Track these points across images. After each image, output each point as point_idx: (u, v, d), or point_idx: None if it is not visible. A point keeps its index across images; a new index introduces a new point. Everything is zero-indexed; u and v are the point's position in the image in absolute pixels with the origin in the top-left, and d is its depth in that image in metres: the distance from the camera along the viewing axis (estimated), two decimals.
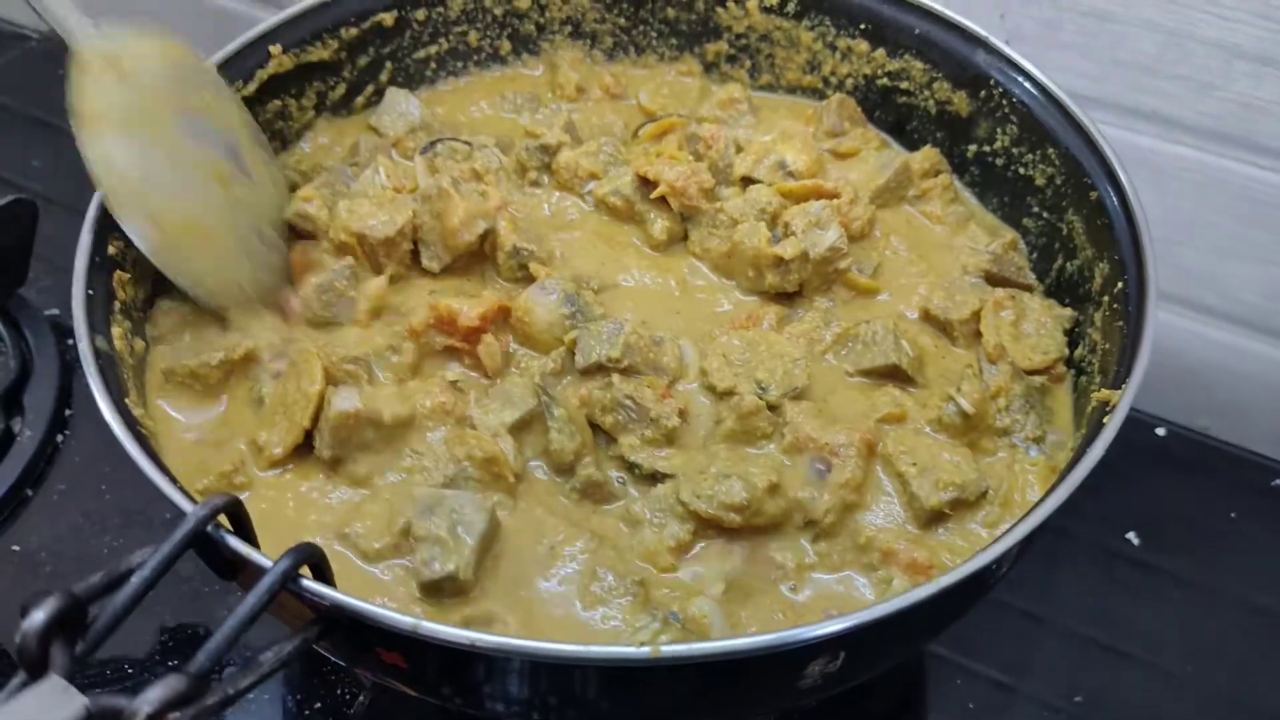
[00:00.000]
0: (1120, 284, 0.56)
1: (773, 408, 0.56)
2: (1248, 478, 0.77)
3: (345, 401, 0.53)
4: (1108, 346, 0.56)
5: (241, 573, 0.46)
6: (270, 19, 0.68)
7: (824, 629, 0.42)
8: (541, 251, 0.62)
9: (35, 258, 0.84)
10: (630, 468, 0.54)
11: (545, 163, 0.68)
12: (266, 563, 0.43)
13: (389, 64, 0.74)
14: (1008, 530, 0.46)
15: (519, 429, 0.54)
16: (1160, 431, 0.79)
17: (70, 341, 0.83)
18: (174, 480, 0.47)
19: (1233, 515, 0.75)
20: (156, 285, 0.61)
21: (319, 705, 0.64)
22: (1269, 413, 0.82)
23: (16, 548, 0.73)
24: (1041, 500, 0.46)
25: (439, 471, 0.53)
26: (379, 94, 0.73)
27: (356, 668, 0.51)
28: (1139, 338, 0.52)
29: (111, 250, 0.57)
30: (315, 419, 0.54)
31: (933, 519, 0.53)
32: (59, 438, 0.79)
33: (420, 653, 0.44)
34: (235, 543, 0.44)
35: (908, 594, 0.43)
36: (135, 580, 0.40)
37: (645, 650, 0.41)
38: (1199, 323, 0.84)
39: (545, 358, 0.57)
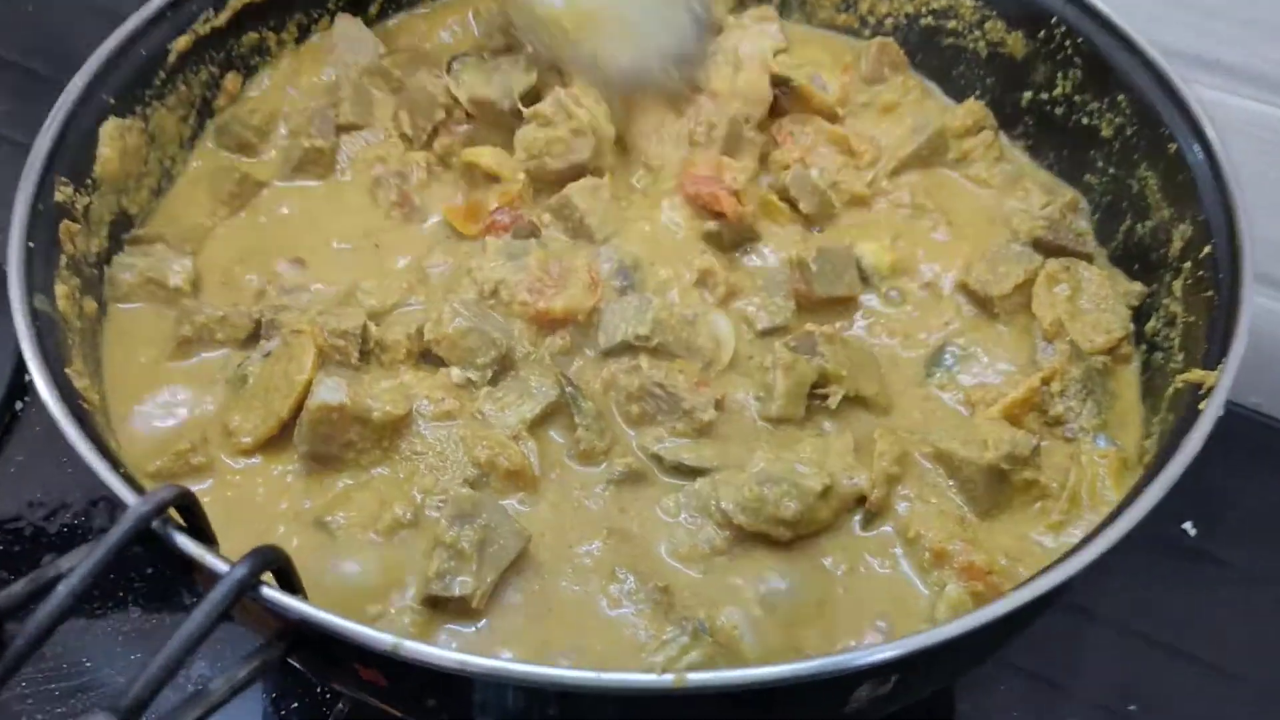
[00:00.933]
0: (1207, 248, 0.50)
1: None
2: None
3: (330, 393, 0.46)
4: (1192, 319, 0.50)
5: (197, 574, 0.40)
6: None
7: (877, 654, 0.36)
8: None
9: None
10: (656, 459, 0.47)
11: None
12: (222, 567, 0.36)
13: None
14: (1091, 536, 0.39)
15: (539, 423, 0.47)
16: None
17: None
18: (116, 466, 0.40)
19: None
20: (114, 237, 0.54)
21: (296, 705, 0.58)
22: None
23: None
24: (1131, 501, 0.40)
25: (454, 473, 0.46)
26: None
27: (332, 683, 0.45)
28: (1235, 309, 0.45)
29: (59, 197, 0.50)
30: (297, 410, 0.47)
31: (993, 490, 0.47)
32: (18, 405, 0.72)
33: (403, 672, 0.38)
34: (185, 542, 0.37)
35: (979, 613, 0.37)
36: (62, 590, 0.34)
37: (668, 679, 0.34)
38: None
39: (553, 335, 0.51)
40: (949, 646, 0.37)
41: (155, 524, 0.36)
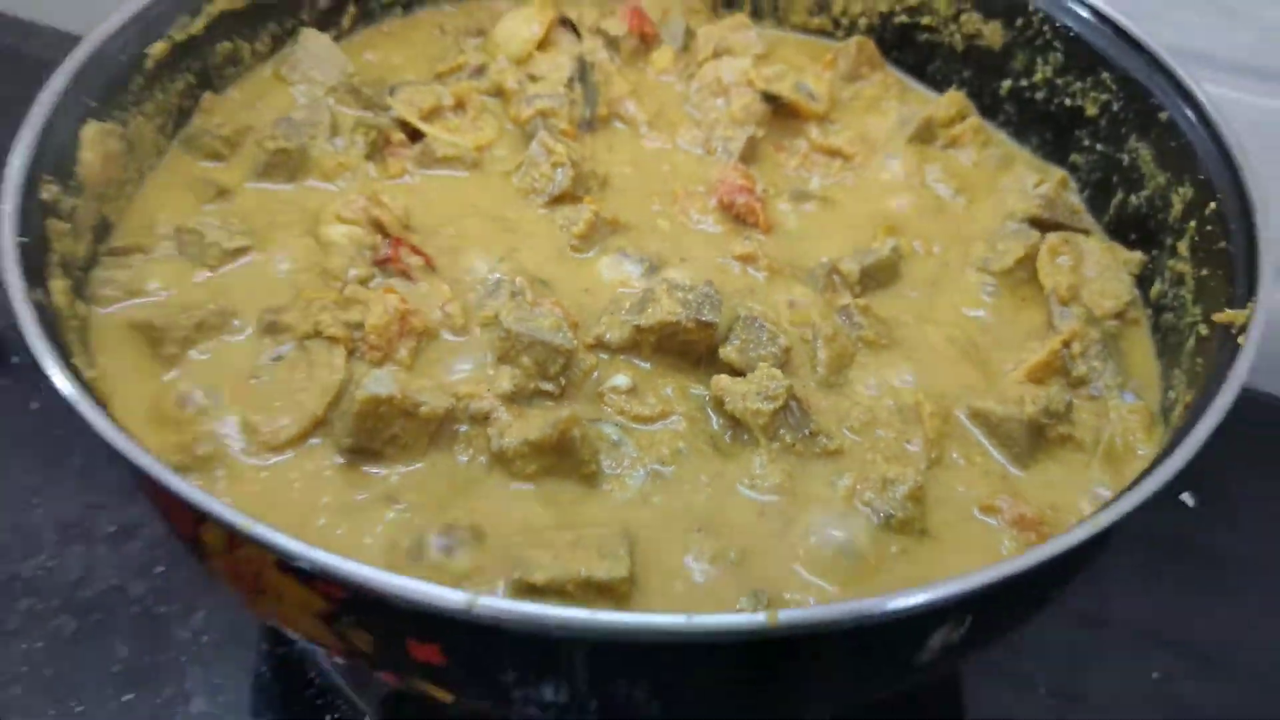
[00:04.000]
0: (1212, 204, 0.50)
1: None
2: None
3: (379, 385, 0.44)
4: (1205, 273, 0.50)
5: None
6: None
7: (961, 584, 0.34)
8: None
9: None
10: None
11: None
12: None
13: (352, 6, 0.66)
14: (1149, 471, 0.39)
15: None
16: None
17: None
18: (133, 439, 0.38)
19: None
20: (95, 244, 0.52)
21: None
22: None
23: None
24: (1185, 434, 0.39)
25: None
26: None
27: (376, 670, 0.41)
28: (1254, 250, 0.46)
29: (45, 195, 0.47)
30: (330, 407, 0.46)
31: (1032, 445, 0.47)
32: None
33: (468, 641, 0.35)
34: None
35: (1044, 546, 0.36)
36: None
37: (760, 618, 0.33)
38: None
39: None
40: (1023, 580, 0.36)
41: None
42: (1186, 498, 0.70)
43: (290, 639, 0.60)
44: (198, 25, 0.58)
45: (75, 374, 0.40)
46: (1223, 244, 0.49)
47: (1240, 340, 0.43)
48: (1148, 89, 0.56)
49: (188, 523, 0.40)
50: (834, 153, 0.63)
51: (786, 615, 0.33)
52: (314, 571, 0.35)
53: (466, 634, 0.35)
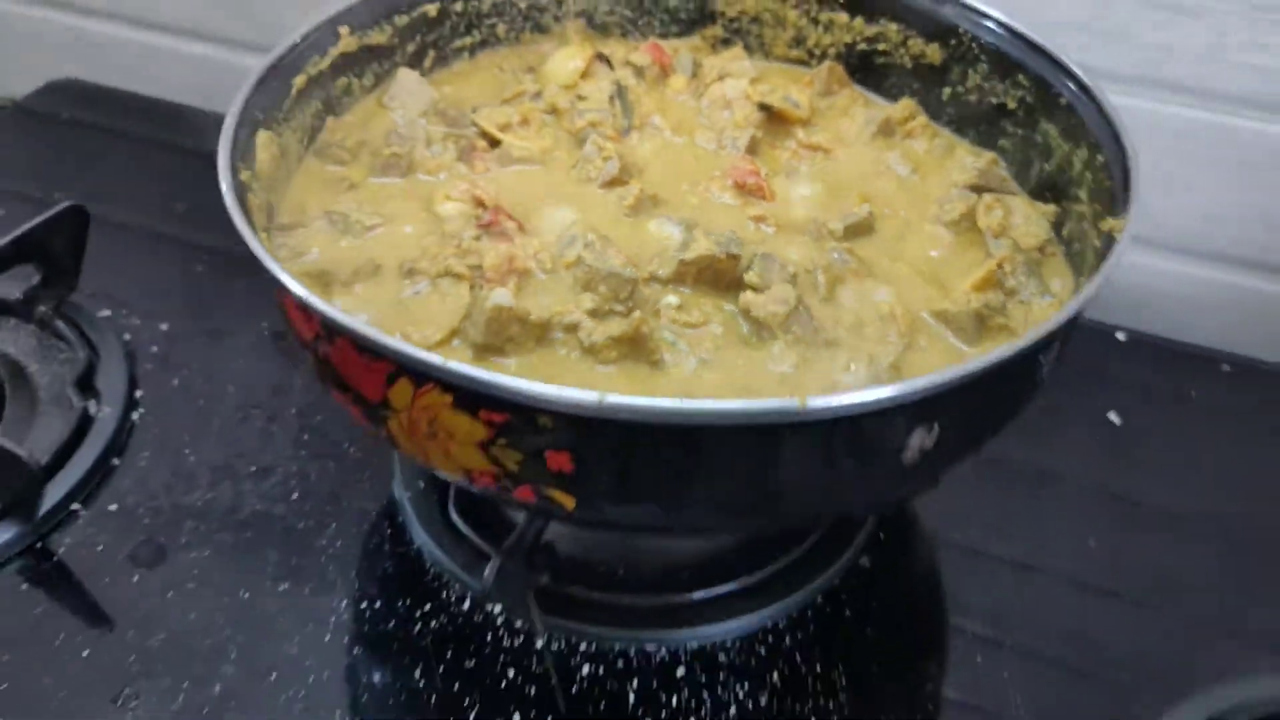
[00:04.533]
0: (1100, 156, 0.68)
1: None
2: (1200, 365, 0.90)
3: (502, 298, 0.60)
4: (1098, 207, 0.68)
5: None
6: (339, 5, 0.76)
7: (932, 380, 0.51)
8: None
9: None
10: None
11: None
12: None
13: (432, 51, 0.84)
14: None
15: None
16: (1121, 336, 0.92)
17: (127, 336, 0.89)
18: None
19: (1194, 394, 0.88)
20: (268, 219, 0.68)
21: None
22: (1208, 314, 0.96)
23: (113, 507, 0.77)
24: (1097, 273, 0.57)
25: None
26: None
27: (518, 485, 0.57)
28: (1128, 179, 0.63)
29: (243, 177, 0.64)
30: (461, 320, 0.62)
31: (978, 331, 0.64)
32: (134, 415, 0.83)
33: (594, 442, 0.51)
34: None
35: (995, 351, 0.52)
36: None
37: (793, 403, 0.49)
38: (1133, 251, 0.98)
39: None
40: (981, 382, 0.52)
41: None
42: (1113, 416, 0.87)
43: (409, 540, 0.76)
44: (324, 64, 0.76)
45: None
46: (1108, 184, 0.67)
47: (1117, 236, 0.60)
48: (1050, 82, 0.74)
49: (379, 384, 0.56)
50: (816, 148, 0.80)
51: (815, 403, 0.49)
52: (494, 395, 0.51)
53: (593, 433, 0.51)
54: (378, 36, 0.79)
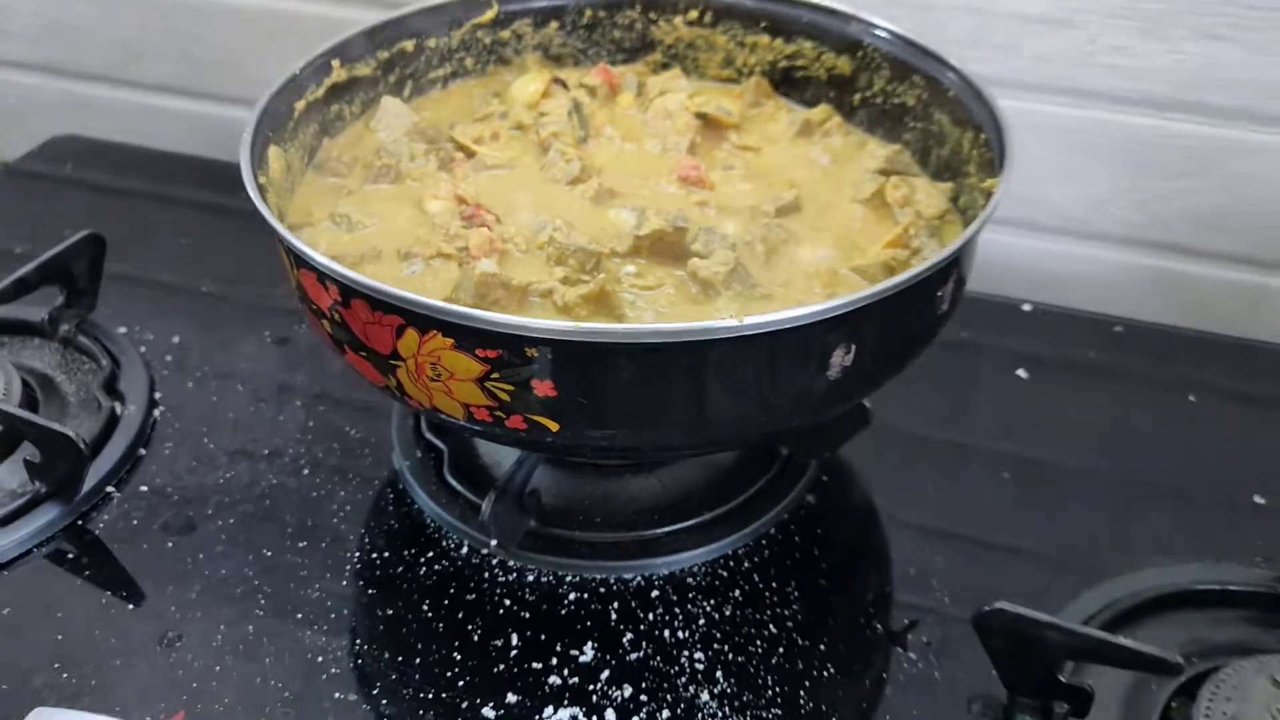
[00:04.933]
0: (983, 135, 0.81)
1: None
2: (1094, 328, 1.03)
3: (486, 265, 0.72)
4: (984, 176, 0.81)
5: None
6: (330, 41, 0.89)
7: (849, 300, 0.63)
8: None
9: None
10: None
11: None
12: None
13: (410, 82, 0.96)
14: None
15: None
16: (1026, 307, 1.06)
17: (143, 349, 0.99)
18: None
19: (1090, 354, 1.01)
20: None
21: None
22: (1100, 286, 1.10)
23: (144, 488, 0.87)
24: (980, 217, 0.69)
25: None
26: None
27: (510, 415, 0.67)
28: (1004, 148, 0.76)
29: (260, 182, 0.75)
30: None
31: (890, 271, 0.76)
32: (155, 413, 0.94)
33: (573, 367, 0.63)
34: None
35: (902, 275, 0.64)
36: None
37: (733, 323, 0.61)
38: (1031, 237, 1.12)
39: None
40: (892, 302, 0.64)
41: None
42: (1021, 372, 0.99)
43: (410, 501, 0.86)
44: (320, 92, 0.87)
45: None
46: (989, 155, 0.80)
47: (994, 191, 0.73)
48: (940, 79, 0.87)
49: (389, 338, 0.67)
50: (747, 148, 0.92)
51: (751, 320, 0.61)
52: (490, 331, 0.62)
53: (570, 359, 0.62)
54: (363, 69, 0.92)
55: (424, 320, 0.64)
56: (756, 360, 0.65)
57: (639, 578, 0.80)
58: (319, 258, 0.66)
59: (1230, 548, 0.81)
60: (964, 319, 0.99)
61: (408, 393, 0.69)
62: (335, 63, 0.89)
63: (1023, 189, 1.10)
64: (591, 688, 0.73)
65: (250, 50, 1.29)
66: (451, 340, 0.64)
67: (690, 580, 0.80)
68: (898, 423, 0.91)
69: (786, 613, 0.78)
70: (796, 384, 0.67)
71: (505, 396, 0.66)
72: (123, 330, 1.01)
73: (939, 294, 0.71)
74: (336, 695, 0.72)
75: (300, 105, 0.85)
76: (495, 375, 0.65)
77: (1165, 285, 1.12)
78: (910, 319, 0.71)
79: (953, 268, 0.69)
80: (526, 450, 0.78)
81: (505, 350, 0.63)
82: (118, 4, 1.32)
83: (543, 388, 0.65)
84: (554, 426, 0.67)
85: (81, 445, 0.81)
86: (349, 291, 0.66)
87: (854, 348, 0.67)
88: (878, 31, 0.92)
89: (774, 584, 0.80)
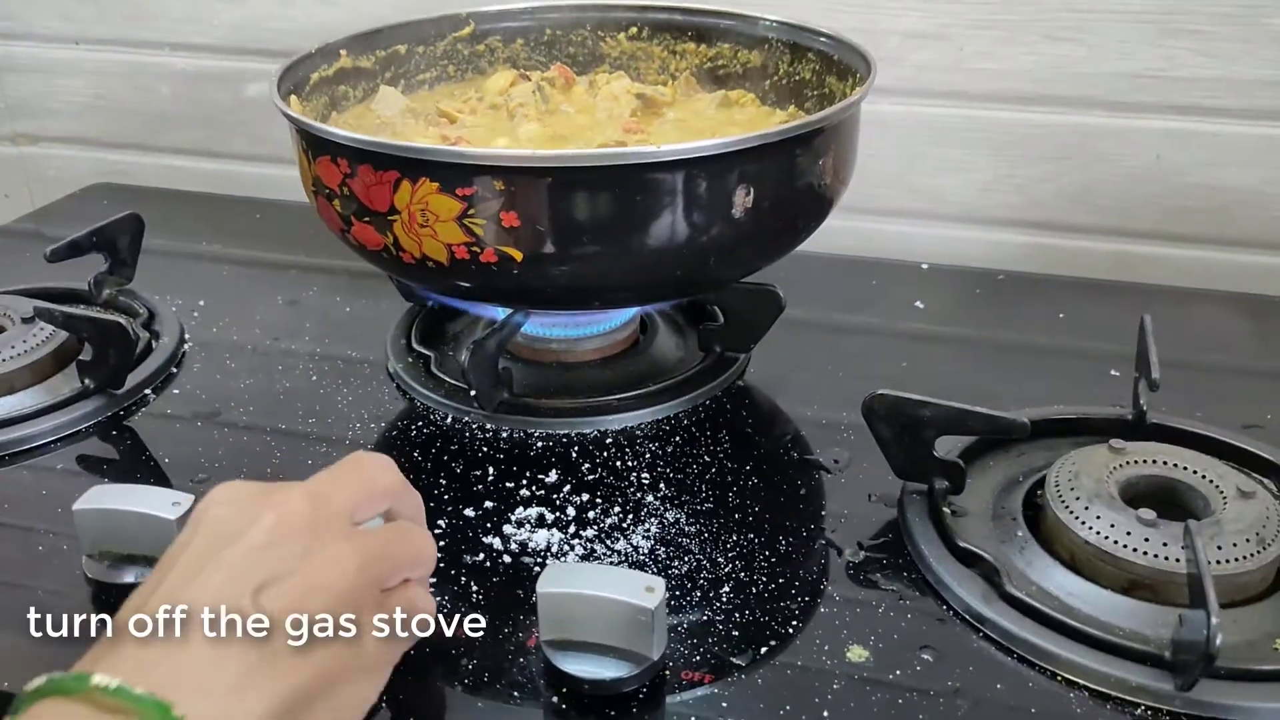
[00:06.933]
0: (859, 74, 1.02)
1: None
2: (981, 276, 1.23)
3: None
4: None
5: None
6: (340, 35, 1.10)
7: (745, 139, 0.82)
8: None
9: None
10: None
11: None
12: None
13: (402, 80, 1.17)
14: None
15: None
16: (924, 266, 1.25)
17: (174, 309, 1.17)
18: None
19: (977, 291, 1.20)
20: None
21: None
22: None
23: (176, 392, 1.03)
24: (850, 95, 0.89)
25: None
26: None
27: (484, 249, 0.84)
28: (868, 65, 0.97)
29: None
30: None
31: None
32: (184, 347, 1.11)
33: (530, 194, 0.81)
34: None
35: (783, 124, 0.84)
36: None
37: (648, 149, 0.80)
38: (929, 225, 1.32)
39: None
40: (775, 146, 0.83)
41: None
42: (919, 303, 1.18)
43: (403, 391, 1.02)
44: (330, 71, 1.09)
45: None
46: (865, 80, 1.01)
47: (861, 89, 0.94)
48: (829, 53, 1.09)
49: (387, 195, 0.85)
50: (679, 121, 1.14)
51: (668, 148, 0.80)
52: (466, 165, 0.80)
53: (528, 188, 0.81)
54: (365, 62, 1.13)
55: (415, 167, 0.82)
56: (672, 190, 0.83)
57: (595, 430, 0.96)
58: (334, 130, 0.86)
59: (1089, 402, 0.97)
60: (869, 272, 1.20)
61: (402, 246, 0.87)
62: (342, 52, 1.10)
63: (917, 182, 1.32)
64: (555, 497, 0.87)
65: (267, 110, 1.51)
66: (437, 184, 0.82)
67: (639, 433, 0.96)
68: (816, 334, 1.09)
69: (719, 450, 0.93)
70: (708, 215, 0.85)
71: (479, 231, 0.84)
72: (156, 298, 1.19)
73: (819, 163, 0.90)
74: None
75: (315, 76, 1.06)
76: (471, 211, 0.83)
77: (1047, 259, 1.31)
78: (796, 180, 0.89)
79: (831, 135, 0.89)
80: (499, 302, 0.95)
81: (479, 186, 0.82)
82: (152, 78, 1.55)
83: (509, 218, 0.82)
84: (518, 256, 0.84)
85: (131, 332, 0.98)
86: (358, 155, 0.85)
87: (752, 190, 0.85)
88: (773, 23, 1.15)
89: (709, 432, 0.96)
